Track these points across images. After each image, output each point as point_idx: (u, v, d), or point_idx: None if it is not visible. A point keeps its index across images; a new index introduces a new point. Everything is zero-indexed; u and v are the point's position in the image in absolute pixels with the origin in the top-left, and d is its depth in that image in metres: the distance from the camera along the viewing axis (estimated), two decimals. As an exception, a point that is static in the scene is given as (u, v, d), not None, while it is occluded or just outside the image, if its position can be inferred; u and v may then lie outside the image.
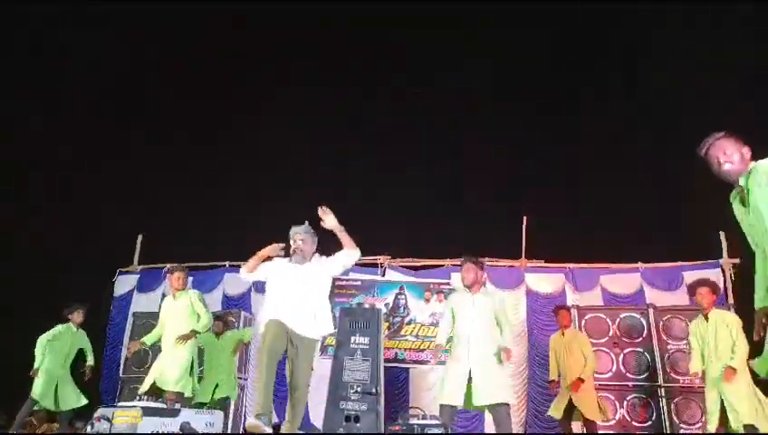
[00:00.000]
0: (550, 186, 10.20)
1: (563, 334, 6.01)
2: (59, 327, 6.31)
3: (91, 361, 6.47)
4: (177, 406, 3.06)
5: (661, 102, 9.64)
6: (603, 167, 9.84)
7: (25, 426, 7.37)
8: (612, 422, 6.42)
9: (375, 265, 8.64)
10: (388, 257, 8.63)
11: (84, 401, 6.28)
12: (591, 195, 9.76)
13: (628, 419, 6.45)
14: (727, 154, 2.82)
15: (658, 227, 8.69)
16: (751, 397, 4.56)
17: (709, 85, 8.51)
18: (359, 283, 8.18)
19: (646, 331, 6.77)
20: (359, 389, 2.94)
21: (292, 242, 4.33)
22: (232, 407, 6.71)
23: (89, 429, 2.96)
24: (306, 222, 4.50)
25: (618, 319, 6.91)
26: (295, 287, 4.08)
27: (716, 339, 4.83)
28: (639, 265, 7.96)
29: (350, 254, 4.16)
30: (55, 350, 6.16)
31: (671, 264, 7.89)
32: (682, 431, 6.20)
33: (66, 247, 9.78)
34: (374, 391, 2.93)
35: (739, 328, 4.78)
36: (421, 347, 7.64)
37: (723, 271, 7.47)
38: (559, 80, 10.82)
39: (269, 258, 4.25)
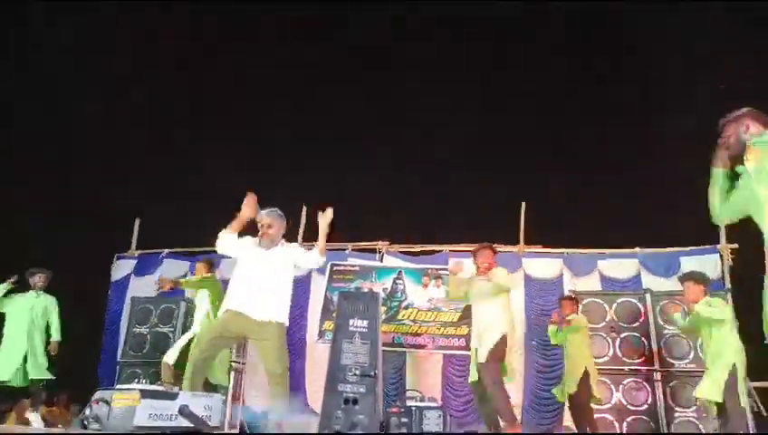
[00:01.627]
0: (548, 171, 10.17)
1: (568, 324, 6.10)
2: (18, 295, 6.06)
3: (55, 335, 6.16)
4: (176, 389, 3.08)
5: (661, 87, 9.60)
6: (602, 152, 9.81)
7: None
8: (608, 406, 6.48)
9: (373, 251, 8.65)
10: (387, 243, 8.64)
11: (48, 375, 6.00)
12: (590, 180, 9.74)
13: (624, 402, 6.50)
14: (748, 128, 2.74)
15: (656, 212, 8.68)
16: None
17: (711, 68, 8.46)
18: (357, 268, 8.19)
19: (643, 316, 6.81)
20: (357, 372, 2.96)
21: (259, 226, 4.33)
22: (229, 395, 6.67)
23: (87, 411, 2.96)
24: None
25: (615, 304, 6.94)
26: (260, 271, 4.13)
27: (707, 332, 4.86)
28: (637, 250, 7.97)
29: (318, 261, 4.23)
30: (15, 319, 5.94)
31: (669, 249, 7.90)
32: (677, 415, 6.26)
33: (63, 231, 9.74)
34: (373, 373, 2.95)
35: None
36: (419, 332, 7.66)
37: (721, 256, 7.49)
38: (558, 65, 10.74)
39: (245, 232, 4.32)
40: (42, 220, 9.76)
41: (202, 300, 6.07)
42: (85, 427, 2.91)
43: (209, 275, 6.22)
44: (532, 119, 10.68)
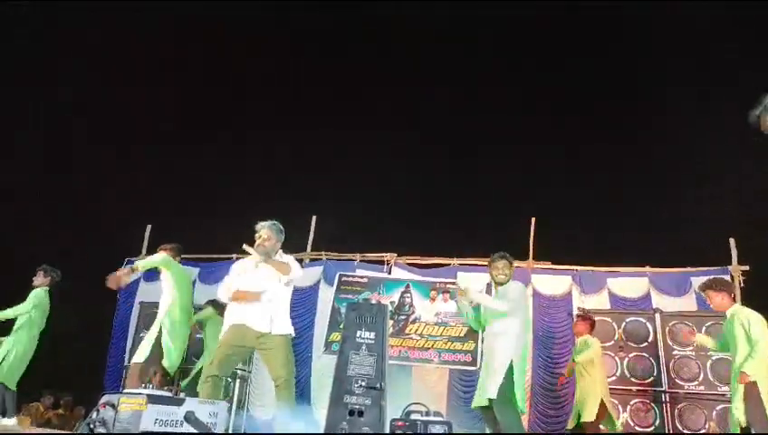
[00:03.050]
0: (558, 187, 10.17)
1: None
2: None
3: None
4: (183, 395, 3.09)
5: (673, 105, 9.59)
6: (613, 169, 9.80)
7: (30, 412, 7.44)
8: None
9: (381, 263, 8.65)
10: (395, 255, 8.64)
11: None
12: (600, 197, 9.73)
13: (632, 423, 6.42)
14: None
15: (667, 232, 8.64)
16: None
17: (721, 87, 8.44)
18: (365, 280, 8.18)
19: (652, 336, 6.74)
20: (363, 383, 2.94)
21: (256, 237, 4.36)
22: (235, 399, 6.65)
23: (93, 415, 2.97)
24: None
25: (623, 323, 6.88)
26: (256, 283, 4.17)
27: (732, 337, 4.44)
28: (647, 269, 7.91)
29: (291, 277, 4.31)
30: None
31: (679, 269, 7.84)
32: (685, 437, 6.17)
33: (75, 236, 9.85)
34: (379, 386, 2.93)
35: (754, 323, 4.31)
36: (425, 346, 7.62)
37: (732, 278, 7.40)
38: (569, 79, 10.78)
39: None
40: (52, 224, 9.87)
41: (165, 288, 5.40)
42: (91, 430, 2.91)
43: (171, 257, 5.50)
44: (544, 134, 10.70)
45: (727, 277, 7.43)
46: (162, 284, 5.34)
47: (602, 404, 5.60)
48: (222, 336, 4.18)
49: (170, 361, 5.06)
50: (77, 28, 10.32)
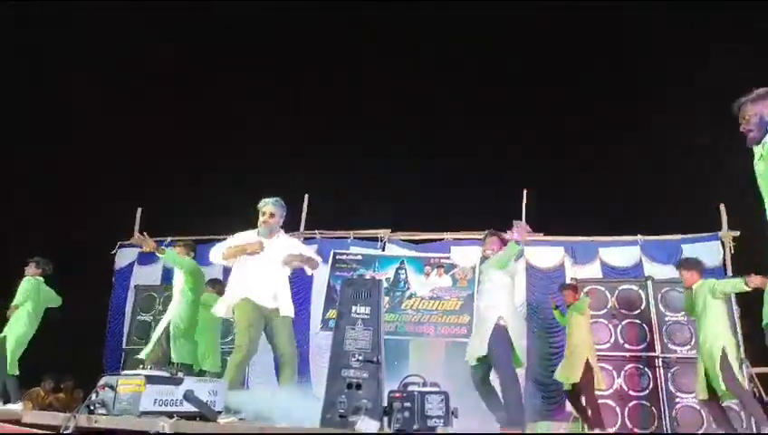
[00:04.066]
0: (549, 158, 10.16)
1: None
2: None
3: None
4: (180, 374, 3.12)
5: (662, 74, 9.55)
6: (603, 139, 9.79)
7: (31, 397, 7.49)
8: (609, 392, 6.53)
9: (375, 240, 8.66)
10: (388, 231, 8.65)
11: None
12: (591, 167, 9.73)
13: (626, 388, 6.55)
14: (746, 119, 2.73)
15: (658, 200, 8.69)
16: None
17: (712, 54, 8.41)
18: (359, 257, 8.21)
19: (644, 303, 6.84)
20: (360, 357, 2.97)
21: (261, 214, 4.35)
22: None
23: (93, 397, 2.99)
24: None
25: (616, 291, 6.97)
26: (262, 260, 4.23)
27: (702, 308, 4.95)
28: (639, 237, 7.97)
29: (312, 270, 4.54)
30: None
31: (670, 236, 7.90)
32: (678, 400, 6.30)
33: (66, 219, 9.78)
34: (376, 359, 2.96)
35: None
36: (421, 320, 7.70)
37: (722, 244, 7.49)
38: (557, 50, 10.69)
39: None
40: (43, 208, 9.78)
41: (177, 286, 5.66)
42: (92, 412, 2.93)
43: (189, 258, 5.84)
44: (532, 105, 10.64)
45: (718, 243, 7.54)
46: (176, 280, 5.57)
47: (587, 364, 5.78)
48: (242, 317, 4.16)
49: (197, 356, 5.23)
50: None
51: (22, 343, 5.96)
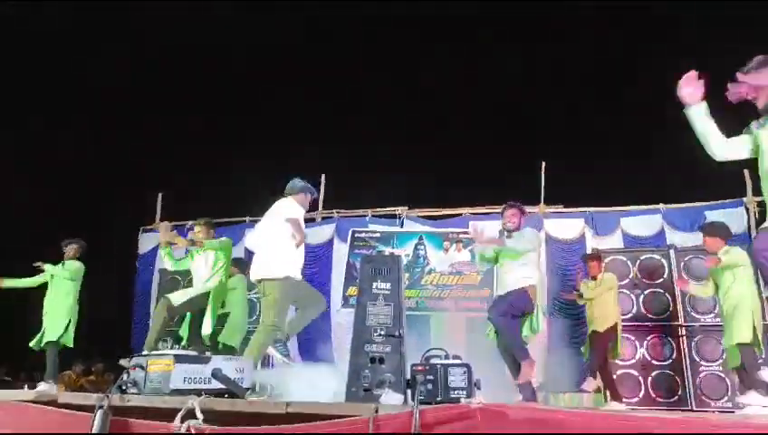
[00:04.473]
0: (567, 129, 10.02)
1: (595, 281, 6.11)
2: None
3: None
4: (207, 353, 3.19)
5: (680, 39, 9.29)
6: (622, 107, 9.60)
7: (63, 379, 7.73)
8: (632, 362, 6.51)
9: (393, 217, 8.67)
10: (406, 208, 8.64)
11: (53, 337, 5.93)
12: (610, 136, 9.57)
13: (649, 358, 6.53)
14: (752, 88, 2.72)
15: (680, 167, 8.52)
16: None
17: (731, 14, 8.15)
18: (378, 234, 8.23)
19: (667, 271, 6.76)
20: (382, 332, 3.01)
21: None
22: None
23: (124, 377, 3.08)
24: None
25: (638, 261, 6.90)
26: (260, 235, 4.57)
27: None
28: (661, 206, 7.85)
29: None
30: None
31: (693, 204, 7.77)
32: (702, 369, 6.27)
33: (89, 205, 9.96)
34: (397, 333, 3.00)
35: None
36: (441, 296, 7.74)
37: (747, 209, 7.34)
38: (575, 17, 10.44)
39: None
40: (66, 194, 9.96)
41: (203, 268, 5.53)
42: (124, 392, 3.02)
43: (214, 238, 5.79)
44: (547, 75, 10.47)
45: (742, 209, 7.39)
46: (204, 260, 5.48)
47: (614, 327, 5.86)
48: (284, 296, 4.29)
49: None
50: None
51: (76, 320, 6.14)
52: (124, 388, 3.01)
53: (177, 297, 5.19)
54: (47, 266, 6.12)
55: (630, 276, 6.83)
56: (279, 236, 4.33)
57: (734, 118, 2.90)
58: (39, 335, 5.95)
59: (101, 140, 10.79)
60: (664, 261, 6.82)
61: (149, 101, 11.11)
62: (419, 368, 2.86)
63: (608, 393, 5.92)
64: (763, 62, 2.77)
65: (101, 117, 10.91)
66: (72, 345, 6.08)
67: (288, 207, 4.49)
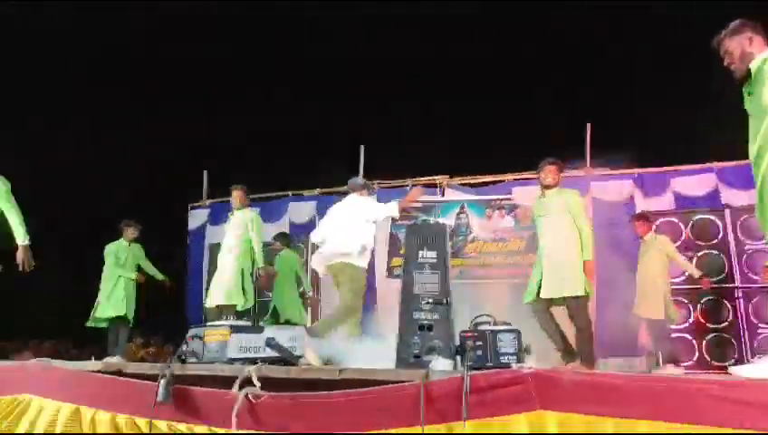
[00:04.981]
0: (611, 88, 9.63)
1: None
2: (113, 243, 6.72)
3: (159, 276, 6.93)
4: (262, 323, 3.30)
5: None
6: (668, 64, 9.16)
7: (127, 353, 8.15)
8: (686, 325, 6.36)
9: (434, 186, 8.59)
10: (447, 177, 8.55)
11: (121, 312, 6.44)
12: (656, 94, 9.17)
13: (703, 321, 6.36)
14: (729, 53, 2.71)
15: (732, 122, 8.11)
16: None
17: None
18: (419, 205, 8.19)
19: (721, 232, 6.52)
20: (430, 300, 3.03)
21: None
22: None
23: (183, 347, 3.22)
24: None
25: (691, 222, 6.67)
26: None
27: None
28: (714, 163, 7.50)
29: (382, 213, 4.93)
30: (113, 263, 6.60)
31: (748, 161, 7.38)
32: (761, 331, 6.08)
33: (136, 185, 10.29)
34: (445, 301, 3.01)
35: None
36: (486, 263, 7.70)
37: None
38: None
39: None
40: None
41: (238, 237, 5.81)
42: (183, 361, 3.16)
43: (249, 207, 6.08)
44: (589, 33, 10.05)
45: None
46: (241, 224, 5.76)
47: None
48: (361, 283, 4.53)
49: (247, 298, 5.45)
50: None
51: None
52: (183, 358, 3.15)
53: None
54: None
55: (683, 238, 6.62)
56: (360, 230, 4.65)
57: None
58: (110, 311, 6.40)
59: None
60: (718, 221, 6.57)
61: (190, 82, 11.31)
62: (468, 334, 2.88)
63: (659, 356, 5.82)
64: (735, 30, 2.74)
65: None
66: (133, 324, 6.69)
67: (368, 207, 4.89)
